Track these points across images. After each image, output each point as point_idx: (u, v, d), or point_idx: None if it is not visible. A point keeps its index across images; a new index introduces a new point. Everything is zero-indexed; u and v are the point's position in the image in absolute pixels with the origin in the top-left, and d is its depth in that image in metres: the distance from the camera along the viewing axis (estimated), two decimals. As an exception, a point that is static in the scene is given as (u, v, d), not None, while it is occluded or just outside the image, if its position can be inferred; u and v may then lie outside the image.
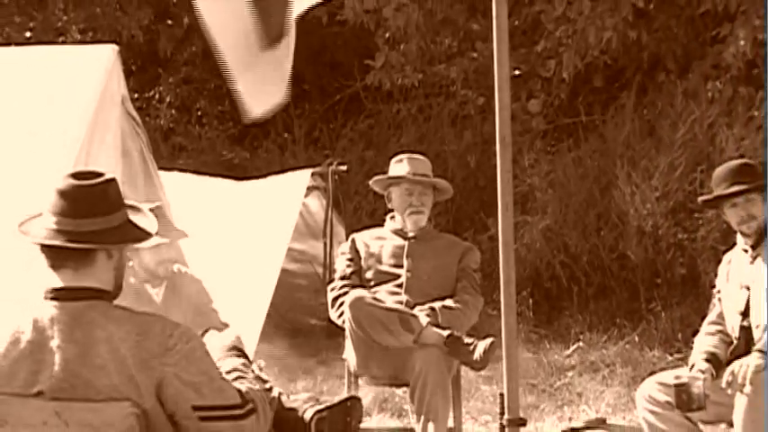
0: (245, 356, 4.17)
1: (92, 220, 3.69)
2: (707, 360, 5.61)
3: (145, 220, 3.85)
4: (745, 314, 5.69)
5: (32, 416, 3.68)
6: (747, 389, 5.33)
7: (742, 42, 10.83)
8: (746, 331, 5.67)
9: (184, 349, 3.66)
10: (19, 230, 3.77)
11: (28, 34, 12.10)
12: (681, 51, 11.77)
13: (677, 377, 5.55)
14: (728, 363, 5.50)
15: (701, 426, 5.69)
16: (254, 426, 3.76)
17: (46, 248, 3.71)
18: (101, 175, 3.80)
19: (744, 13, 10.99)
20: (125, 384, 3.61)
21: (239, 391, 3.76)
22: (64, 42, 11.13)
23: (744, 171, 5.76)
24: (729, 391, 5.36)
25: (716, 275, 6.07)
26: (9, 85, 7.11)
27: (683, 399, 5.45)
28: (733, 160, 6.17)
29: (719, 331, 5.79)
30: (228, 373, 3.87)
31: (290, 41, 4.27)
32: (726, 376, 5.41)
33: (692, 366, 5.64)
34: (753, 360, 5.37)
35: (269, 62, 4.22)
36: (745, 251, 5.74)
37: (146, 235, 3.84)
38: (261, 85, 4.24)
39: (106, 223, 3.72)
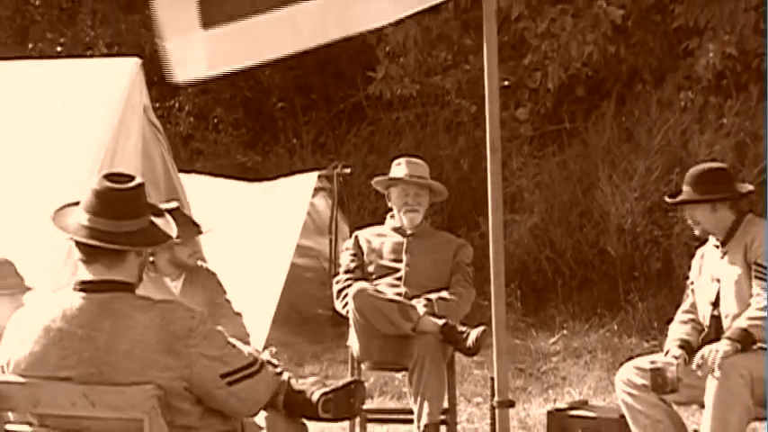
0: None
1: (125, 222, 3.71)
2: (680, 347, 5.60)
3: (166, 224, 3.86)
4: (716, 305, 5.68)
5: (62, 397, 3.68)
6: (717, 373, 5.33)
7: (711, 55, 10.83)
8: (717, 320, 5.66)
9: (204, 330, 3.70)
10: (56, 226, 3.77)
11: (59, 48, 12.08)
12: (656, 64, 11.76)
13: (653, 362, 5.55)
14: (699, 349, 5.50)
15: (675, 407, 5.68)
16: (266, 377, 3.89)
17: (80, 244, 3.71)
18: (132, 179, 3.82)
19: (712, 29, 10.99)
20: (150, 367, 3.61)
21: (248, 352, 3.90)
22: (91, 56, 11.11)
23: (702, 178, 5.70)
24: (700, 373, 5.35)
25: (689, 269, 6.05)
26: (42, 94, 7.11)
27: (658, 382, 5.45)
28: (705, 164, 6.11)
29: (692, 320, 5.77)
30: None
31: (237, 34, 4.20)
32: (696, 360, 5.41)
33: (667, 352, 5.63)
34: (722, 346, 5.37)
35: (205, 40, 4.18)
36: (716, 247, 5.73)
37: (168, 237, 3.86)
38: (190, 55, 4.20)
39: (136, 225, 3.74)
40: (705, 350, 5.39)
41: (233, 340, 3.95)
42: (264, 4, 4.21)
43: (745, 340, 5.38)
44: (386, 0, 4.30)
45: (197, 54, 4.18)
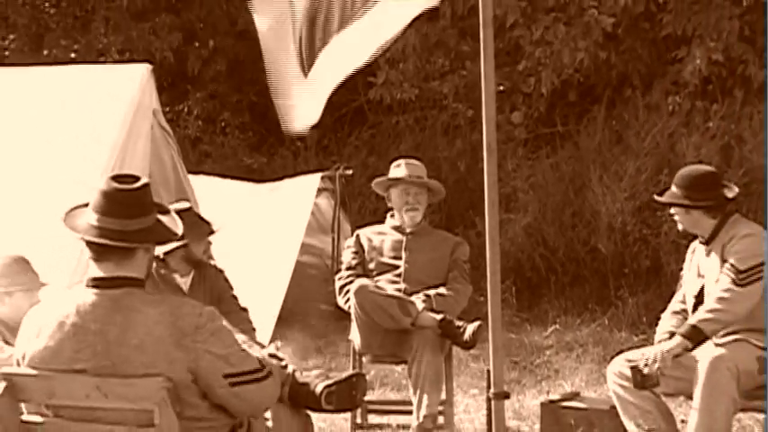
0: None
1: (132, 220, 3.71)
2: (669, 339, 5.60)
3: (172, 221, 3.85)
4: (700, 299, 5.68)
5: (76, 389, 3.68)
6: (706, 368, 5.33)
7: (698, 62, 10.84)
8: (701, 314, 5.66)
9: (212, 327, 3.68)
10: (66, 226, 3.77)
11: (73, 55, 12.06)
12: (645, 70, 11.76)
13: (631, 360, 5.54)
14: None
15: (663, 398, 5.67)
16: (272, 385, 3.82)
17: (92, 243, 3.71)
18: (138, 179, 3.82)
19: (699, 37, 11.00)
20: (160, 361, 3.61)
21: (257, 358, 3.81)
22: (104, 62, 11.10)
23: (688, 182, 5.68)
24: (646, 371, 5.36)
25: (677, 266, 6.06)
26: (56, 98, 7.11)
27: (638, 378, 5.45)
28: (695, 167, 6.09)
29: (683, 310, 5.77)
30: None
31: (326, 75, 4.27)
32: (641, 363, 5.41)
33: (659, 343, 5.63)
34: (672, 344, 5.38)
35: (306, 89, 4.24)
36: (703, 244, 5.72)
37: (173, 236, 3.86)
38: (299, 109, 4.26)
39: (144, 224, 3.74)
40: (650, 352, 5.39)
41: (243, 339, 3.94)
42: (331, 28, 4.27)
43: (696, 337, 5.37)
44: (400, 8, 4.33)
45: (307, 103, 4.24)
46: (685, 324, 5.44)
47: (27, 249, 5.54)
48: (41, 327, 3.74)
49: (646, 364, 5.41)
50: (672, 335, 5.63)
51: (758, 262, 5.46)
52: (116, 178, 3.79)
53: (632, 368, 5.47)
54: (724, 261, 5.52)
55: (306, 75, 4.19)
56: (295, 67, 4.18)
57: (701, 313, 5.40)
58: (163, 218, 3.83)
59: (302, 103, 4.24)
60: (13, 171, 6.72)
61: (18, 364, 3.81)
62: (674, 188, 5.69)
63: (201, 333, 3.64)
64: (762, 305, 5.43)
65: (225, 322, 3.79)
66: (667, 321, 5.76)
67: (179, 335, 3.61)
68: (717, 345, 5.46)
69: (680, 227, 5.77)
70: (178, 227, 3.87)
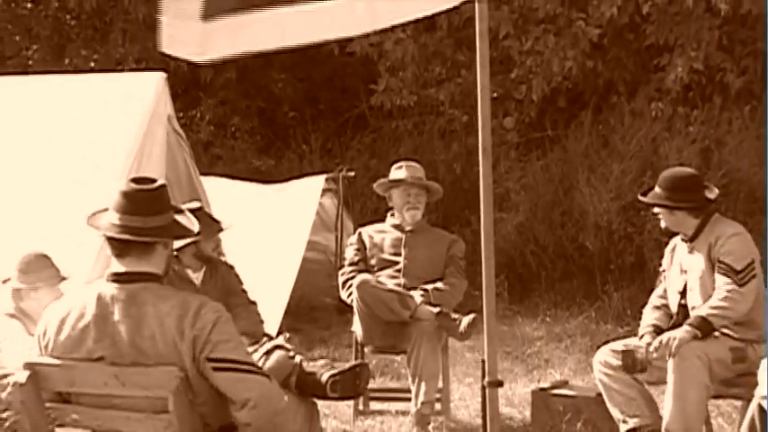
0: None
1: (151, 218, 3.73)
2: (652, 332, 5.60)
3: (187, 219, 3.87)
4: (683, 294, 5.67)
5: (95, 378, 3.69)
6: (672, 357, 5.33)
7: (680, 70, 10.83)
8: (683, 308, 5.66)
9: (212, 317, 3.66)
10: (88, 224, 3.78)
11: (92, 64, 12.06)
12: (629, 77, 11.75)
13: (625, 345, 5.55)
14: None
15: (647, 386, 5.67)
16: (260, 379, 3.70)
17: (113, 240, 3.71)
18: (155, 181, 3.84)
19: (680, 46, 10.99)
20: (170, 351, 3.62)
21: (254, 363, 3.76)
22: (121, 70, 11.09)
23: (671, 184, 5.68)
24: (655, 355, 5.37)
25: (659, 262, 6.04)
26: (77, 105, 7.10)
27: (628, 362, 5.46)
28: (678, 169, 6.08)
29: (664, 305, 5.77)
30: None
31: (227, 30, 4.15)
32: (654, 344, 5.42)
33: (642, 336, 5.63)
34: (681, 332, 5.37)
35: (202, 30, 4.14)
36: (685, 242, 5.72)
37: (190, 232, 3.86)
38: (185, 38, 4.15)
39: (162, 221, 3.76)
40: (664, 336, 5.40)
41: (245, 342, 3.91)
42: (264, 1, 4.16)
43: (705, 328, 5.38)
44: (382, 8, 4.22)
45: (191, 39, 4.13)
46: (694, 316, 5.43)
47: (49, 247, 5.55)
48: (63, 319, 3.75)
49: (632, 350, 5.41)
50: (655, 328, 5.63)
51: (750, 260, 5.49)
52: (135, 180, 3.82)
53: (623, 352, 5.46)
54: (712, 259, 5.52)
55: (204, 19, 4.05)
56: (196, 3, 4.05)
57: (709, 308, 5.40)
58: (179, 217, 3.85)
59: (187, 37, 4.10)
60: (36, 173, 6.72)
61: (41, 354, 3.81)
62: (657, 189, 5.69)
63: (200, 321, 3.63)
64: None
65: (230, 318, 3.76)
66: (650, 315, 5.76)
67: (184, 327, 3.62)
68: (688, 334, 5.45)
69: (663, 225, 5.77)
70: (194, 224, 3.88)
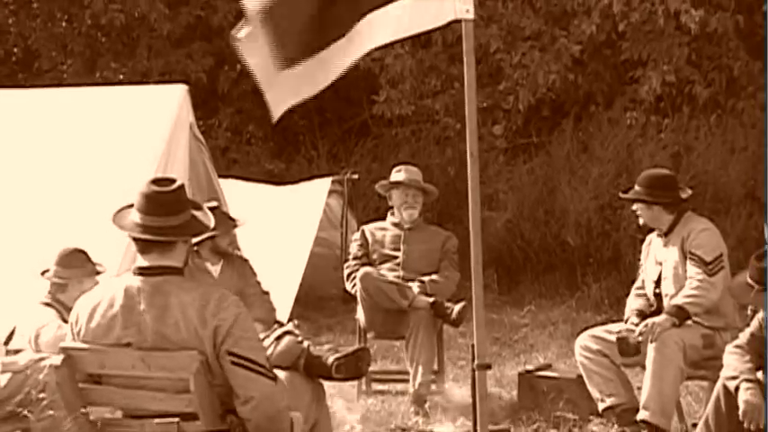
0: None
1: (171, 217, 3.70)
2: (637, 316, 5.62)
3: (204, 216, 3.85)
4: (658, 284, 5.68)
5: (124, 361, 3.68)
6: (655, 342, 5.34)
7: (653, 82, 10.85)
8: (659, 297, 5.68)
9: (234, 311, 3.65)
10: (114, 223, 3.77)
11: (120, 76, 12.03)
12: (607, 89, 11.75)
13: (618, 331, 5.53)
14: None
15: (623, 368, 5.67)
16: (269, 383, 3.64)
17: (138, 239, 3.70)
18: (174, 181, 3.81)
19: (653, 61, 11.00)
20: (191, 337, 3.61)
21: (266, 365, 3.68)
22: (147, 82, 11.08)
23: (649, 182, 5.69)
24: (641, 339, 5.37)
25: (635, 256, 6.06)
26: (107, 114, 7.11)
27: (624, 347, 5.43)
28: (656, 170, 6.12)
29: (644, 294, 5.78)
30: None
31: (309, 69, 4.24)
32: (639, 328, 5.42)
33: (627, 319, 5.64)
34: (661, 320, 5.38)
35: (285, 79, 4.20)
36: (660, 236, 5.72)
37: (207, 228, 3.84)
38: (280, 97, 4.24)
39: (180, 220, 3.73)
40: (649, 321, 5.40)
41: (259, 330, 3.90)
42: (314, 46, 4.22)
43: (681, 315, 5.40)
44: (384, 26, 4.25)
45: (285, 91, 4.24)
46: (671, 305, 5.45)
47: (84, 243, 5.56)
48: (94, 308, 3.74)
49: (626, 336, 5.42)
50: (639, 312, 5.63)
51: (719, 253, 5.51)
52: (155, 182, 3.78)
53: (619, 339, 5.46)
54: (684, 252, 5.53)
55: (279, 68, 4.16)
56: (269, 61, 4.16)
57: (683, 297, 5.42)
58: (197, 213, 3.82)
59: (279, 91, 4.21)
60: (72, 176, 6.73)
61: (74, 340, 3.81)
62: (637, 187, 5.71)
63: (222, 313, 3.61)
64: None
65: (248, 314, 3.73)
66: (633, 301, 5.78)
67: (206, 316, 3.60)
68: (665, 322, 5.46)
69: (641, 221, 5.77)
70: (210, 220, 3.86)
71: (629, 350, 5.42)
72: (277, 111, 4.25)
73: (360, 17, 4.16)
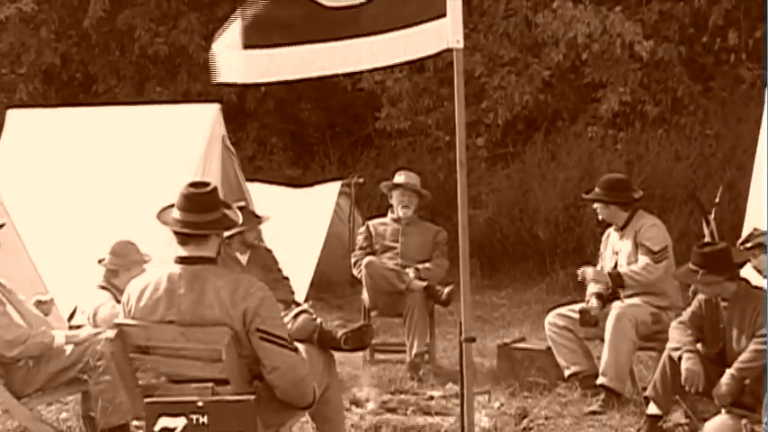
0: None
1: (206, 214, 3.70)
2: (596, 297, 5.62)
3: (234, 213, 3.85)
4: (614, 270, 5.68)
5: (166, 335, 3.69)
6: (612, 320, 5.35)
7: (611, 101, 10.85)
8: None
9: (261, 294, 3.64)
10: (158, 219, 3.77)
11: (164, 97, 12.05)
12: (572, 107, 11.74)
13: (582, 307, 5.54)
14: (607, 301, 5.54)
15: (585, 341, 5.67)
16: (293, 357, 3.64)
17: (177, 232, 3.71)
18: (208, 184, 3.82)
19: (611, 83, 11.00)
20: (224, 316, 3.61)
21: (289, 339, 3.68)
22: (187, 102, 11.07)
23: (607, 185, 5.70)
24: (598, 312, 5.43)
25: (595, 248, 6.06)
26: (153, 129, 7.12)
27: (585, 318, 5.46)
28: (613, 174, 6.15)
29: None
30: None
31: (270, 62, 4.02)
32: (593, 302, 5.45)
33: (588, 300, 5.64)
34: (615, 305, 5.40)
35: (244, 57, 4.01)
36: (616, 231, 5.73)
37: (236, 224, 3.83)
38: (231, 65, 4.05)
39: (214, 216, 3.73)
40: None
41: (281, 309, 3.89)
42: (302, 37, 4.00)
43: (617, 281, 5.46)
44: (385, 49, 4.14)
45: (236, 65, 4.03)
46: (613, 270, 5.48)
47: (134, 236, 5.56)
48: (142, 291, 3.75)
49: (588, 309, 5.43)
50: (598, 295, 5.63)
51: (665, 245, 5.52)
52: (192, 184, 3.79)
53: (581, 311, 5.48)
54: (636, 244, 5.54)
55: (245, 48, 3.91)
56: (237, 34, 3.92)
57: (628, 269, 5.46)
58: (227, 211, 3.82)
59: (233, 63, 3.97)
60: (123, 180, 6.75)
61: (125, 318, 3.81)
62: (597, 189, 5.71)
63: (251, 297, 3.60)
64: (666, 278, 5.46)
65: (273, 297, 3.71)
66: (593, 287, 5.76)
67: (236, 299, 3.60)
68: (622, 304, 5.47)
69: (600, 218, 5.78)
70: (239, 217, 3.86)
71: (590, 321, 5.45)
72: (227, 76, 4.03)
73: (357, 35, 4.02)
